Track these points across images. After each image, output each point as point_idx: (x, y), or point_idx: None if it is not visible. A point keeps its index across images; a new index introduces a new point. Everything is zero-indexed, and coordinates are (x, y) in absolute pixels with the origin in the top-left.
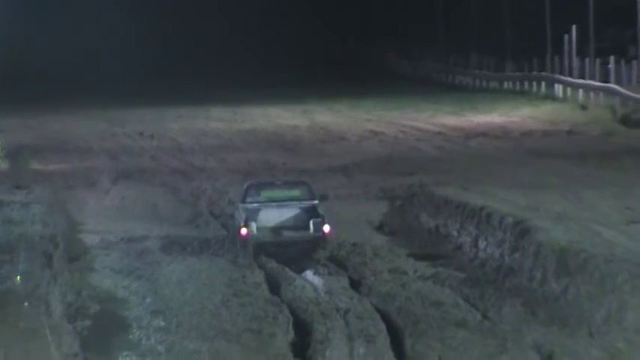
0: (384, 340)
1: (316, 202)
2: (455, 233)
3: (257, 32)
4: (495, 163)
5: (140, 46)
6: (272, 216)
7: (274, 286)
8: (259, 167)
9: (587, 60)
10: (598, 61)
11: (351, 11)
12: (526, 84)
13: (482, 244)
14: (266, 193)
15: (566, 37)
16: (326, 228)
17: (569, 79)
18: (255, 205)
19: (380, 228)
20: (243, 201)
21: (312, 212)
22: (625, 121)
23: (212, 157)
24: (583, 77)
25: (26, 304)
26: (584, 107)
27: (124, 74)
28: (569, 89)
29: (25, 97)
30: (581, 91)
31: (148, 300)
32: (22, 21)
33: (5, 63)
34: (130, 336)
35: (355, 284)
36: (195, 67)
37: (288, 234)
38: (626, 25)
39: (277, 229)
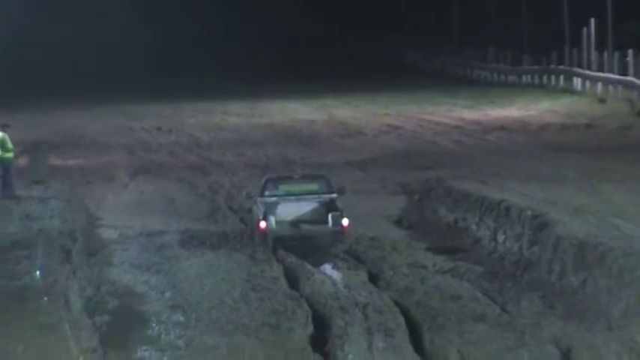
0: (402, 334)
1: (335, 195)
2: (473, 227)
3: (273, 27)
4: (513, 157)
5: (154, 41)
6: (290, 210)
7: (293, 281)
8: (277, 162)
9: (605, 53)
10: (616, 54)
11: (366, 5)
12: (544, 77)
13: (500, 237)
14: (284, 187)
15: (584, 30)
16: (344, 222)
17: (588, 72)
18: (274, 199)
19: (398, 222)
20: (262, 195)
21: (330, 206)
22: None
23: (230, 152)
24: (601, 70)
25: (45, 299)
26: (602, 100)
27: (138, 69)
28: (587, 82)
29: (41, 92)
30: (599, 85)
31: (167, 295)
32: (35, 17)
33: (19, 59)
34: (149, 331)
35: (374, 278)
36: (211, 62)
37: (306, 228)
38: None
39: (296, 223)
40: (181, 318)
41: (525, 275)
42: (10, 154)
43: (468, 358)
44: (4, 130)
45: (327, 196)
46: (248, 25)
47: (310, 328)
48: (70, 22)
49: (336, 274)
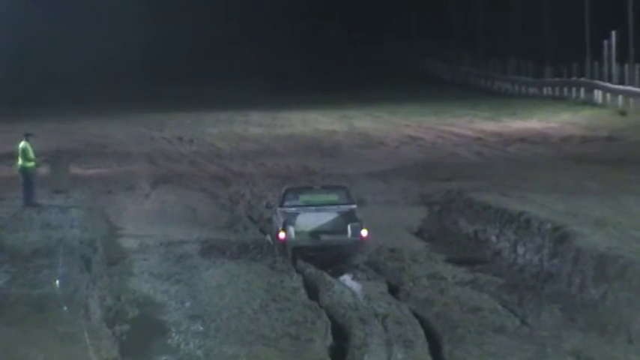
0: (422, 345)
1: (354, 206)
2: (493, 239)
3: (295, 37)
4: (534, 169)
5: (176, 51)
6: (310, 220)
7: (313, 291)
8: (298, 172)
9: (626, 65)
10: (637, 66)
11: (389, 15)
12: (565, 90)
13: (520, 249)
14: (304, 198)
15: (605, 42)
16: (364, 232)
17: (609, 84)
18: (294, 209)
19: (418, 233)
20: (282, 205)
21: (350, 216)
22: None
23: (251, 162)
24: (622, 83)
25: (65, 308)
26: (623, 113)
27: (159, 78)
28: (608, 95)
29: (64, 101)
30: (620, 97)
31: (187, 304)
32: (56, 28)
33: (42, 69)
34: (169, 340)
35: (393, 290)
36: (232, 71)
37: (326, 238)
38: None
39: (315, 233)
40: (201, 328)
41: (545, 287)
42: (31, 163)
43: None
44: (26, 139)
45: (347, 207)
46: (268, 35)
47: (330, 339)
48: (92, 32)
49: (355, 285)
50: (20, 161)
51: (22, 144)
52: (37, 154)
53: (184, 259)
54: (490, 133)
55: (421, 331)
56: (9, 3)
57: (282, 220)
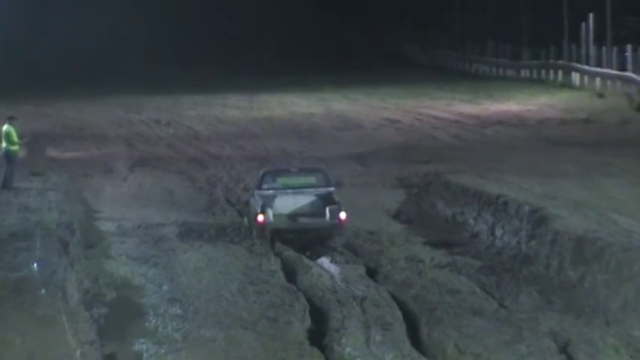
0: (400, 327)
1: (332, 188)
2: (471, 221)
3: (272, 20)
4: (512, 152)
5: (155, 33)
6: (288, 203)
7: (291, 274)
8: (276, 155)
9: (604, 48)
10: (615, 49)
11: None
12: (543, 72)
13: (498, 232)
14: (282, 180)
15: (583, 24)
16: (342, 215)
17: (586, 67)
18: (271, 191)
19: (396, 216)
20: (259, 188)
21: (328, 199)
22: None
23: (228, 145)
24: (600, 65)
25: (43, 291)
26: (601, 95)
27: (137, 61)
28: (586, 77)
29: (41, 84)
30: (598, 80)
31: (165, 287)
32: (34, 10)
33: (20, 51)
34: (147, 323)
35: (372, 272)
36: (210, 54)
37: (304, 221)
38: None
39: (293, 216)
40: (179, 311)
41: (523, 270)
42: (15, 147)
43: (465, 352)
44: (10, 123)
45: (325, 189)
46: (246, 18)
47: (308, 322)
48: (69, 14)
49: (333, 268)
50: (4, 144)
51: (5, 127)
52: (20, 137)
53: (162, 241)
54: (468, 116)
55: (399, 314)
56: None
57: (260, 202)
